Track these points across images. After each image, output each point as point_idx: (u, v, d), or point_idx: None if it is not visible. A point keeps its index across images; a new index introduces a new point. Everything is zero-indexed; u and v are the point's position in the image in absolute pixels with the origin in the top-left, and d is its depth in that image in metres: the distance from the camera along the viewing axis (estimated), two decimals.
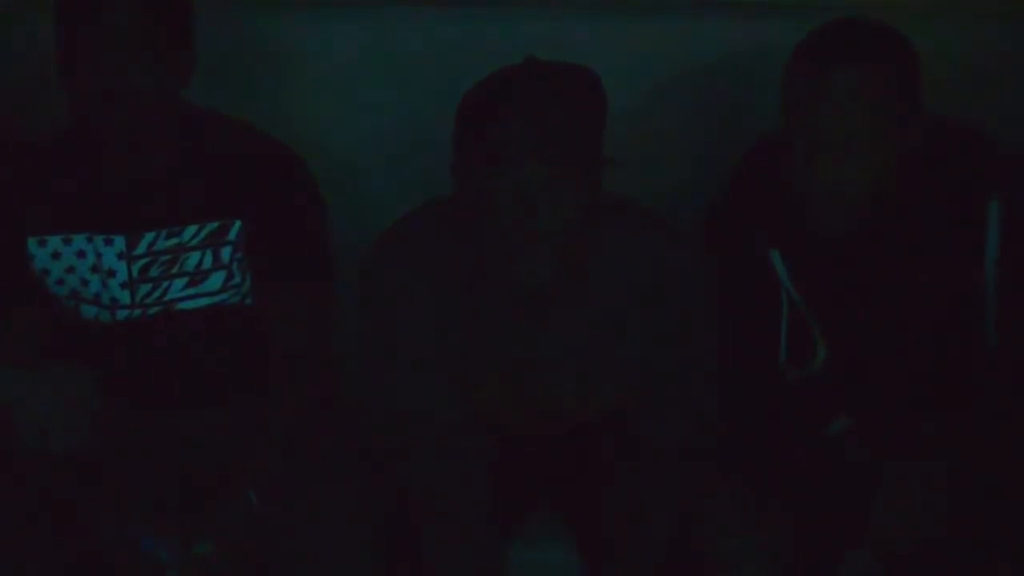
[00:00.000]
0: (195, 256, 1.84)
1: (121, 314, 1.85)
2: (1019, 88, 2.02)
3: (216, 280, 1.85)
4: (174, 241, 1.83)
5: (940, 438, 1.80)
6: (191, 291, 1.85)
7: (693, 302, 1.79)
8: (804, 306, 1.81)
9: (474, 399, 1.84)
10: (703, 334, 1.80)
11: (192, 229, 1.83)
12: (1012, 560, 1.76)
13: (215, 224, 1.83)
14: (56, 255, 1.84)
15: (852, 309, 1.81)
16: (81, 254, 1.84)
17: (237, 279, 1.86)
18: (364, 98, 2.10)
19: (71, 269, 1.84)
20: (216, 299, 1.86)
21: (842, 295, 1.81)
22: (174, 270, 1.84)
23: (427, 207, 1.83)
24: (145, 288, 1.85)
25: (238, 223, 1.83)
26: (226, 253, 1.84)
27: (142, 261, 1.83)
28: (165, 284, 1.85)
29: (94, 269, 1.84)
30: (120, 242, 1.83)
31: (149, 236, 1.83)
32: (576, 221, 1.66)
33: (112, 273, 1.84)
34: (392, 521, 1.82)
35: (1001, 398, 1.78)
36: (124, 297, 1.85)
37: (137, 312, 1.85)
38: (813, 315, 1.81)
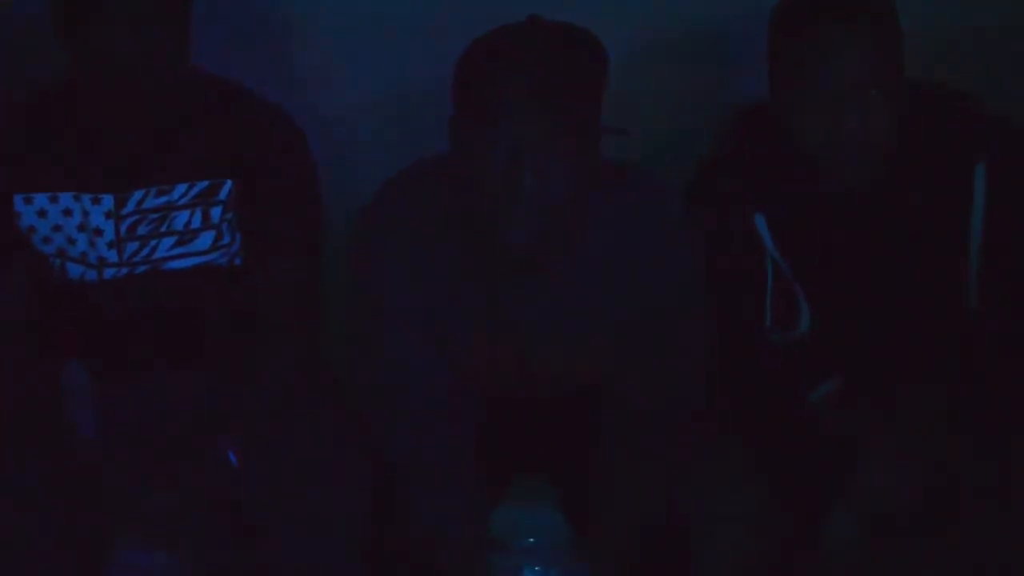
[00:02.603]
0: (184, 215, 1.83)
1: (108, 273, 1.84)
2: (1011, 56, 2.07)
3: (205, 240, 1.84)
4: (163, 199, 1.82)
5: (921, 401, 1.83)
6: (179, 250, 1.84)
7: (684, 268, 1.79)
8: (788, 271, 1.83)
9: (462, 363, 1.85)
10: (693, 300, 1.81)
11: (182, 187, 1.82)
12: (984, 521, 1.80)
13: (206, 183, 1.82)
14: (42, 213, 1.82)
15: (837, 274, 1.83)
16: (68, 212, 1.82)
17: (226, 239, 1.85)
18: (357, 63, 2.10)
19: (58, 227, 1.83)
20: (204, 259, 1.85)
21: (827, 260, 1.83)
22: (163, 228, 1.83)
23: (417, 167, 1.82)
24: (133, 246, 1.83)
25: (229, 183, 1.83)
26: (216, 213, 1.83)
27: (130, 219, 1.82)
28: (153, 243, 1.83)
29: (81, 228, 1.82)
30: (108, 201, 1.81)
31: (138, 194, 1.81)
32: (566, 183, 1.65)
33: (99, 232, 1.82)
34: (378, 485, 1.82)
35: (982, 362, 1.82)
36: (111, 256, 1.83)
37: (124, 271, 1.84)
38: (798, 280, 1.84)
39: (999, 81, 1.97)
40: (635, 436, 1.82)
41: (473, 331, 1.82)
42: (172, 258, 1.84)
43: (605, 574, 1.79)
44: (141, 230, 1.83)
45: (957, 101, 1.81)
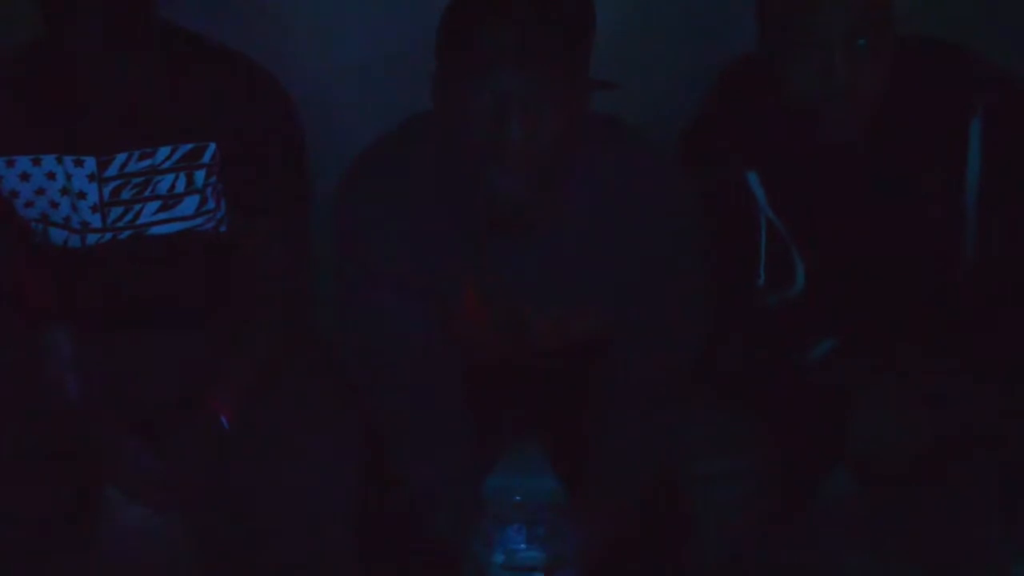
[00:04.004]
0: (168, 179, 1.80)
1: (91, 238, 1.82)
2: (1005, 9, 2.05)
3: (190, 204, 1.82)
4: (147, 163, 1.79)
5: (918, 355, 1.81)
6: (164, 215, 1.82)
7: (679, 226, 1.76)
8: (782, 229, 1.81)
9: (454, 324, 1.82)
10: (689, 258, 1.78)
11: (166, 150, 1.79)
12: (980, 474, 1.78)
13: (190, 146, 1.79)
14: (25, 176, 1.79)
15: (832, 230, 1.80)
16: (51, 175, 1.79)
17: (211, 204, 1.83)
18: (345, 26, 2.08)
19: (41, 191, 1.80)
20: (189, 224, 1.83)
21: (821, 216, 1.80)
22: (146, 193, 1.80)
23: (403, 126, 1.79)
24: (116, 211, 1.81)
25: (213, 145, 1.80)
26: (200, 177, 1.81)
27: (114, 183, 1.80)
28: (137, 207, 1.81)
29: (64, 191, 1.80)
30: (91, 163, 1.79)
31: (121, 157, 1.79)
32: (553, 137, 1.62)
33: (82, 195, 1.80)
34: (369, 449, 1.80)
35: (979, 315, 1.79)
36: (95, 220, 1.81)
37: (108, 236, 1.82)
38: (792, 238, 1.82)
39: (992, 35, 1.95)
40: (631, 397, 1.79)
41: (463, 291, 1.80)
42: (156, 223, 1.82)
43: (600, 535, 1.77)
44: (125, 194, 1.80)
45: (951, 54, 1.78)
